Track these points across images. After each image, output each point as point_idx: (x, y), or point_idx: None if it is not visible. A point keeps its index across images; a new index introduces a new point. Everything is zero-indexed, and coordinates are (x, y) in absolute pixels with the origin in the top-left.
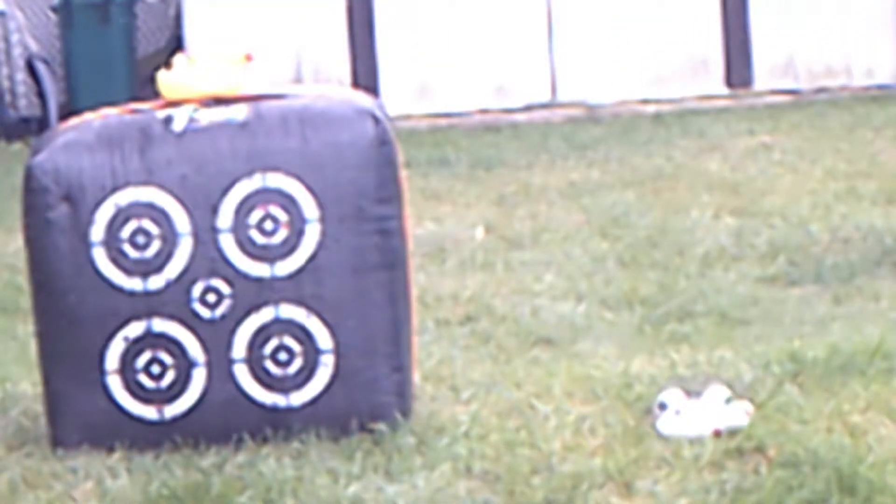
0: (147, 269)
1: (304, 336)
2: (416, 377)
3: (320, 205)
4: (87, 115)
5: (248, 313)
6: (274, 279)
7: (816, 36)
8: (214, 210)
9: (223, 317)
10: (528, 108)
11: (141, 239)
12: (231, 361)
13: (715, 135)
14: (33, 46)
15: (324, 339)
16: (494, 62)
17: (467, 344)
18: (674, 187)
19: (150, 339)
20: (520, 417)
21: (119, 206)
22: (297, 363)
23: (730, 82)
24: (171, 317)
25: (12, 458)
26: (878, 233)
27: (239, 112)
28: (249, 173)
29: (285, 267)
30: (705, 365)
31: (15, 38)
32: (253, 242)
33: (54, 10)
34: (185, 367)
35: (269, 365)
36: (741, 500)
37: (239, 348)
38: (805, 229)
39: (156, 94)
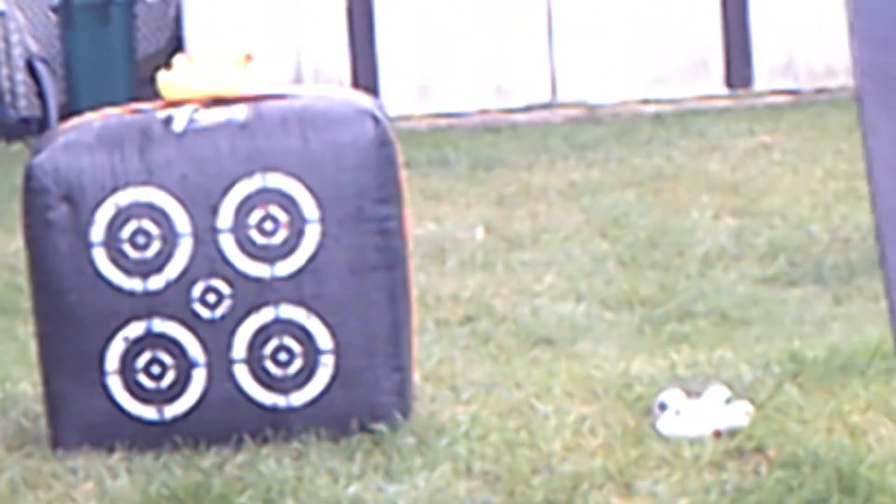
0: (147, 269)
1: (305, 336)
2: (416, 377)
3: (320, 205)
4: (88, 115)
5: (248, 313)
6: (274, 279)
7: (816, 36)
8: (214, 210)
9: (223, 317)
10: (528, 109)
11: (141, 239)
12: (231, 362)
13: (715, 135)
14: (33, 46)
15: (324, 339)
16: (494, 62)
17: (467, 344)
18: (674, 187)
19: (151, 340)
20: (520, 417)
21: (119, 207)
22: (297, 363)
23: (730, 82)
24: (172, 317)
25: (12, 458)
26: None
27: (239, 112)
28: (249, 173)
29: (285, 267)
30: (705, 365)
31: (15, 38)
32: (253, 243)
33: (54, 10)
34: (185, 367)
35: (269, 365)
36: (741, 500)
37: (239, 348)
38: (805, 229)
39: (156, 95)
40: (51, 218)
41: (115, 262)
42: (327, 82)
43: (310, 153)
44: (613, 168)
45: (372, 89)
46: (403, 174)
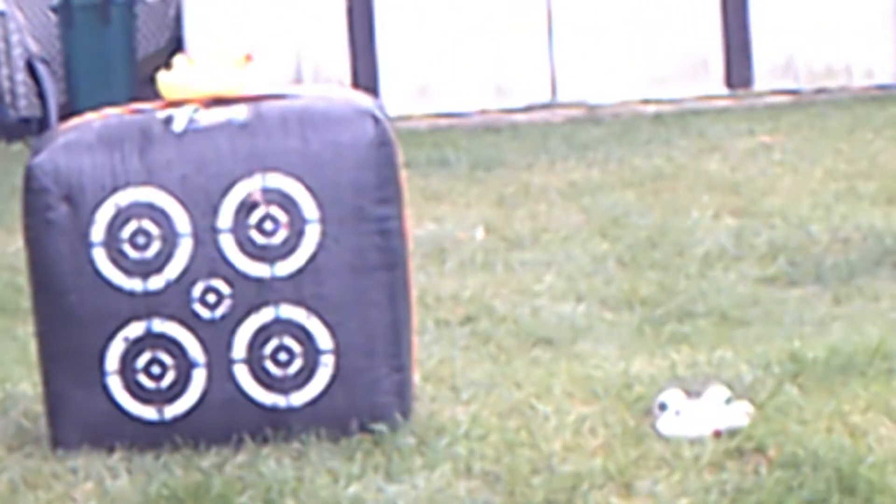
0: (147, 269)
1: (305, 336)
2: (416, 377)
3: (320, 205)
4: (88, 115)
5: (248, 313)
6: (274, 279)
7: (816, 36)
8: (214, 210)
9: (223, 317)
10: (528, 109)
11: (141, 239)
12: (231, 362)
13: (715, 135)
14: (33, 46)
15: (324, 339)
16: (494, 62)
17: (467, 344)
18: (674, 187)
19: (150, 340)
20: (520, 417)
21: (119, 207)
22: (298, 363)
23: (730, 82)
24: (171, 317)
25: (12, 458)
26: (878, 233)
27: (239, 112)
28: (249, 174)
29: (285, 267)
30: (705, 365)
31: (15, 38)
32: (253, 243)
33: (54, 10)
34: (185, 367)
35: (269, 365)
36: (741, 500)
37: (239, 348)
38: (805, 229)
39: (156, 95)
40: (51, 218)
41: (115, 262)
42: (327, 82)
43: (310, 153)
44: (613, 168)
45: (372, 89)
46: (403, 174)
